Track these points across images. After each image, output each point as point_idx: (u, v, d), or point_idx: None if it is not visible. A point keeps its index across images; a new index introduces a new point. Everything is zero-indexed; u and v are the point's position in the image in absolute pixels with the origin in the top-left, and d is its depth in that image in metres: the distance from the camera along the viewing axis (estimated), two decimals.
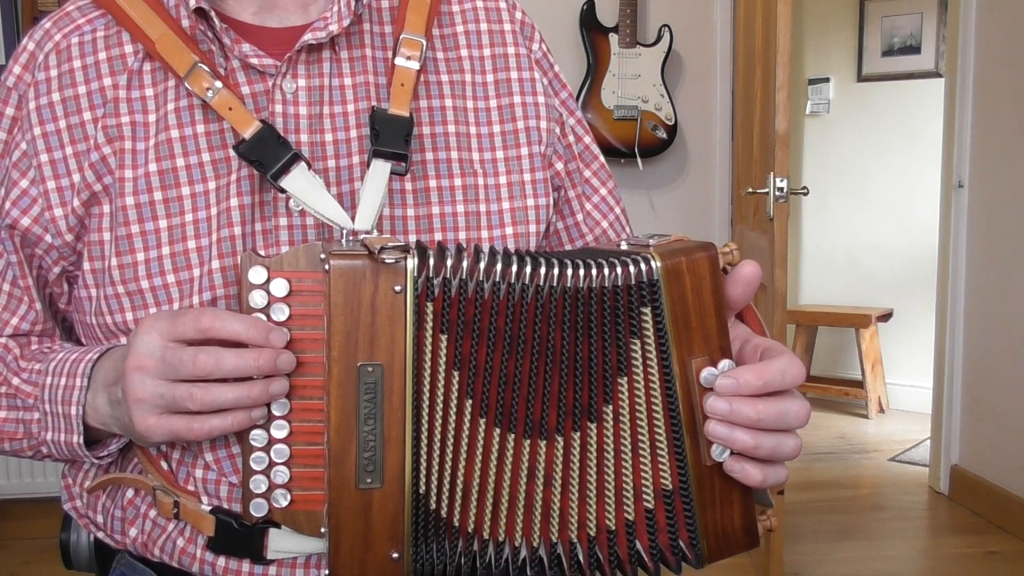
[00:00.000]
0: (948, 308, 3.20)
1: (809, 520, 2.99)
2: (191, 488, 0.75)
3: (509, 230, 0.81)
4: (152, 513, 0.77)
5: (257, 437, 0.66)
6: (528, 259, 0.66)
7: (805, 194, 2.61)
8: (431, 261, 0.65)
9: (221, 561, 0.74)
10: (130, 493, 0.79)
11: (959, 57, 3.13)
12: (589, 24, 3.04)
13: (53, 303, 0.83)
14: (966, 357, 3.15)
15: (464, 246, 0.68)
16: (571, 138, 0.89)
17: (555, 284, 0.66)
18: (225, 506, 0.74)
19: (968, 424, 3.14)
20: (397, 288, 0.65)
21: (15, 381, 0.79)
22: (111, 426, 0.73)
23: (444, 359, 0.66)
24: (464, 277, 0.65)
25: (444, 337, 0.66)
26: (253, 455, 0.67)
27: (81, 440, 0.75)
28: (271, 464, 0.67)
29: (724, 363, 0.67)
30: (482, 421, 0.67)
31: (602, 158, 0.92)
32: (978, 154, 3.08)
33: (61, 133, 0.77)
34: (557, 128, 0.87)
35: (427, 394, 0.66)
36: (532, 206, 0.83)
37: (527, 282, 0.66)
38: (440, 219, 0.79)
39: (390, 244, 0.65)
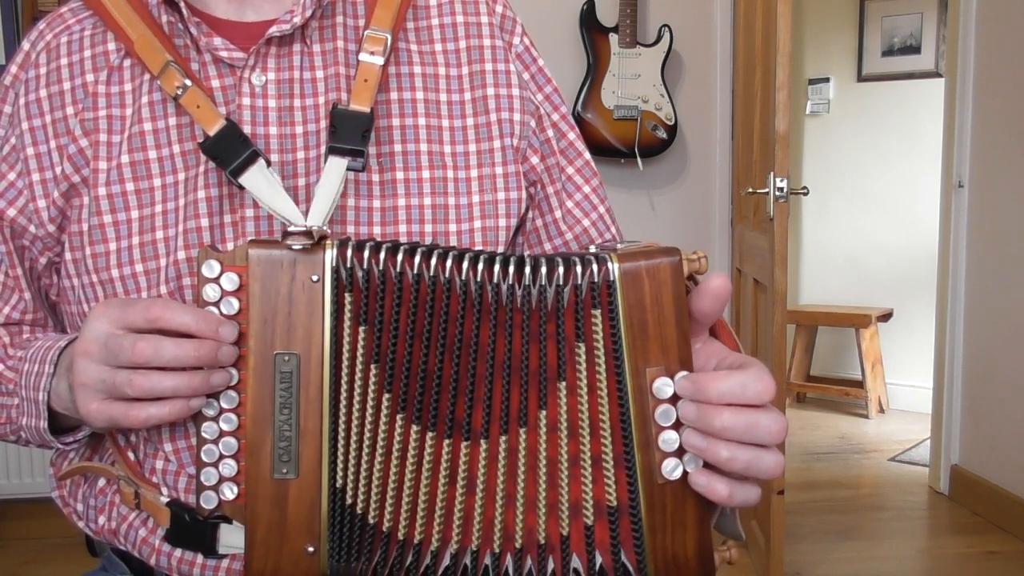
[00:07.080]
0: (948, 308, 3.19)
1: (809, 520, 2.99)
2: (154, 480, 0.76)
3: (478, 223, 0.81)
4: (118, 501, 0.78)
5: (208, 430, 0.66)
6: (453, 253, 0.64)
7: (805, 194, 2.61)
8: (349, 252, 0.64)
9: (177, 552, 0.75)
10: (101, 482, 0.81)
11: (959, 57, 3.13)
12: (589, 24, 3.04)
13: (45, 294, 0.85)
14: (966, 357, 3.15)
15: (382, 240, 0.67)
16: (551, 132, 0.87)
17: (492, 280, 0.64)
18: (183, 498, 0.75)
19: (968, 424, 3.14)
20: (314, 278, 0.64)
21: (0, 368, 0.80)
22: (72, 412, 0.74)
23: (363, 352, 0.65)
24: (383, 269, 0.64)
25: (363, 329, 0.65)
26: (204, 447, 0.66)
27: (46, 425, 0.76)
28: (220, 457, 0.67)
29: (682, 375, 0.62)
30: (400, 418, 0.65)
31: (587, 155, 0.90)
32: (978, 154, 3.08)
33: (47, 128, 0.79)
34: (532, 121, 0.86)
35: (345, 387, 0.65)
36: (503, 200, 0.82)
37: (455, 276, 0.64)
38: (406, 211, 0.78)
39: (300, 230, 0.64)
